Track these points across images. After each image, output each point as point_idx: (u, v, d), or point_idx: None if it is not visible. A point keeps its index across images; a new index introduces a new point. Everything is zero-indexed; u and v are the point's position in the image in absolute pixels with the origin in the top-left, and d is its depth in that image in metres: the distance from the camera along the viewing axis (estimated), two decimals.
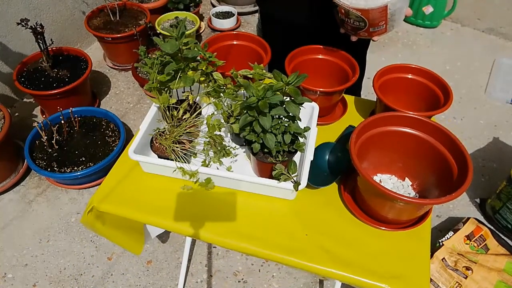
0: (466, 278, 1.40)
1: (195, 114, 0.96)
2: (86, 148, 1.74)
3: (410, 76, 1.07)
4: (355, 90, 1.41)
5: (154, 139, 0.96)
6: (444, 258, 1.46)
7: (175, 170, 0.91)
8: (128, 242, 1.07)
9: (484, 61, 2.52)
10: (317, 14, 1.16)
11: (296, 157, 0.97)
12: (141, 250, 1.10)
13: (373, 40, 1.02)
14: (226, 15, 2.78)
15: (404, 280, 0.78)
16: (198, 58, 0.96)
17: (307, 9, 1.16)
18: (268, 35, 1.34)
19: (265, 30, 1.37)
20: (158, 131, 0.95)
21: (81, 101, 2.00)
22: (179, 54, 0.90)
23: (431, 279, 1.42)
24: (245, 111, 0.85)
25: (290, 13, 1.19)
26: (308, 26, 1.18)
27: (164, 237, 1.64)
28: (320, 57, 1.11)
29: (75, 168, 1.67)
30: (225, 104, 0.98)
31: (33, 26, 1.75)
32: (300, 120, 0.87)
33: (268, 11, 1.28)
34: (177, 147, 0.91)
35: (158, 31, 2.39)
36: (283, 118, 0.87)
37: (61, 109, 1.69)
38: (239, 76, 0.95)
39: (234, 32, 1.17)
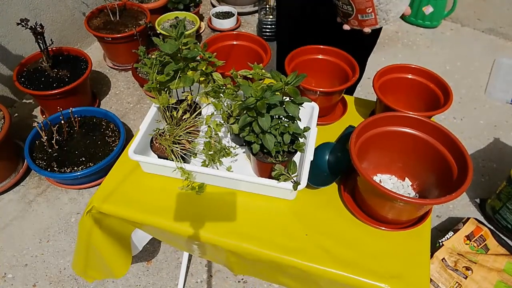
0: (466, 278, 1.40)
1: (194, 114, 0.96)
2: (86, 148, 1.74)
3: (410, 76, 1.07)
4: (350, 91, 1.41)
5: (154, 139, 0.96)
6: (444, 258, 1.46)
7: (174, 170, 0.91)
8: (115, 258, 1.04)
9: (484, 61, 2.51)
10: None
11: (296, 157, 0.97)
12: (125, 272, 1.08)
13: (364, 32, 1.01)
14: (226, 15, 2.78)
15: (404, 280, 0.78)
16: (198, 58, 0.96)
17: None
18: (283, 29, 1.31)
19: (280, 25, 1.34)
20: (158, 131, 0.95)
21: (81, 101, 2.00)
22: (179, 54, 0.90)
23: (431, 279, 1.42)
24: (244, 112, 0.85)
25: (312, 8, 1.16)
26: (320, 23, 1.16)
27: None
28: (320, 57, 1.12)
29: (75, 168, 1.67)
30: (225, 104, 0.98)
31: (33, 26, 1.75)
32: (300, 120, 0.87)
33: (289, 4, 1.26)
34: (176, 147, 0.91)
35: (158, 31, 2.38)
36: (283, 118, 0.87)
37: (61, 109, 1.68)
38: (238, 76, 0.95)
39: (234, 32, 1.17)
